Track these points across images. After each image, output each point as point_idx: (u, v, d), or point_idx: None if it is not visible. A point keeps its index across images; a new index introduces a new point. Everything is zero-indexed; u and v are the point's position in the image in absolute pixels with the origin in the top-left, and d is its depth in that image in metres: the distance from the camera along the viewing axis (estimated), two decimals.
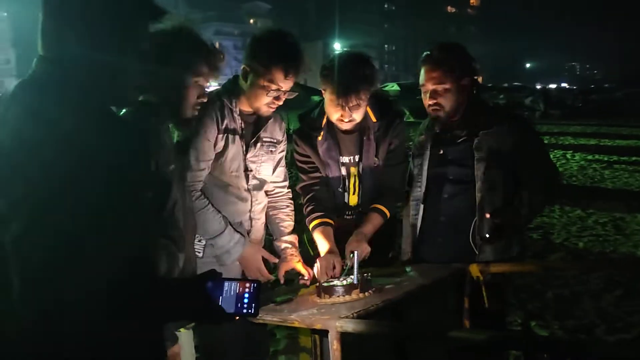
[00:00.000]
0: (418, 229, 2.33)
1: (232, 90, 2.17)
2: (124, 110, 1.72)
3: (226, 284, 1.21)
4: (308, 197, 2.43)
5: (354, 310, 1.65)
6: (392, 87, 25.28)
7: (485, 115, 2.26)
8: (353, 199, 2.43)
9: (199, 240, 2.12)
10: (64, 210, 0.99)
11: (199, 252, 2.11)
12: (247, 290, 1.22)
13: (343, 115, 2.25)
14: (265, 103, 2.12)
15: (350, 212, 2.44)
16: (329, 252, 2.25)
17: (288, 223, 2.38)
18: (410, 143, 2.56)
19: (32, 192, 0.99)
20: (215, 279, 1.18)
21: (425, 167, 2.33)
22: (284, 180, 2.41)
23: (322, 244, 2.29)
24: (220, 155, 2.13)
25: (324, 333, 1.60)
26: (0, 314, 1.03)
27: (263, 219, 2.35)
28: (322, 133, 2.37)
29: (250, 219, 2.26)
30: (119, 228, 1.07)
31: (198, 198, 2.09)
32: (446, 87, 2.20)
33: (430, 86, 2.22)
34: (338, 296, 1.82)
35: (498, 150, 2.19)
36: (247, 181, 2.22)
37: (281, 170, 2.38)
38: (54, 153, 1.01)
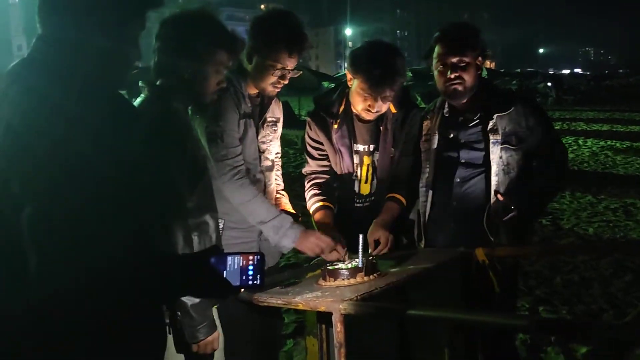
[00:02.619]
0: (427, 215, 2.32)
1: (238, 74, 2.17)
2: (142, 95, 1.74)
3: (229, 258, 1.23)
4: (312, 182, 2.43)
5: (358, 293, 1.66)
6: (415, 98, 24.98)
7: (496, 97, 2.24)
8: (365, 188, 2.42)
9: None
10: (74, 188, 1.01)
11: None
12: (250, 262, 1.24)
13: (372, 105, 2.22)
14: (270, 83, 2.13)
15: (361, 200, 2.44)
16: (328, 233, 2.22)
17: (280, 182, 2.42)
18: None
19: (43, 171, 1.00)
20: (218, 254, 1.21)
21: (433, 151, 2.31)
22: (278, 152, 2.43)
23: (323, 226, 2.29)
24: (242, 140, 2.14)
25: (328, 316, 1.61)
26: (8, 293, 1.05)
27: (273, 201, 2.36)
28: (338, 120, 2.35)
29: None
30: (126, 207, 1.09)
31: (245, 185, 2.07)
32: (467, 61, 2.17)
33: (451, 59, 2.17)
34: (343, 279, 1.83)
35: (512, 132, 2.17)
36: (261, 162, 2.24)
37: (278, 144, 2.39)
38: (62, 132, 1.03)
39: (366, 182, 2.40)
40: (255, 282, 1.24)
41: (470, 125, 2.25)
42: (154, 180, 1.27)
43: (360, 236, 1.92)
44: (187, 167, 1.67)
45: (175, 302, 1.58)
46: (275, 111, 2.33)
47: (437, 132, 2.31)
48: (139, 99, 1.76)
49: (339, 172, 2.41)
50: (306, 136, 2.48)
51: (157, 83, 1.77)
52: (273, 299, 1.74)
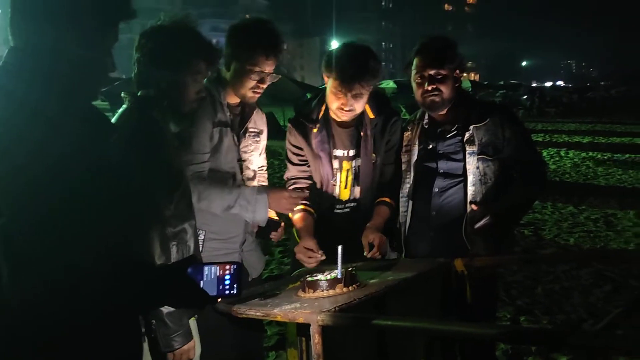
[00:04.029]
0: (407, 225, 2.35)
1: (217, 83, 2.20)
2: (124, 106, 1.75)
3: (206, 268, 1.24)
4: (292, 188, 2.44)
5: (337, 304, 1.66)
6: (389, 84, 25.27)
7: (474, 109, 2.28)
8: (344, 193, 2.43)
9: (198, 235, 2.13)
10: (52, 192, 1.01)
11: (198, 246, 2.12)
12: (227, 272, 1.25)
13: (344, 104, 2.25)
14: (250, 88, 2.16)
15: (341, 207, 2.45)
16: (307, 238, 2.26)
17: None
18: None
19: (20, 175, 1.01)
20: (195, 264, 1.22)
21: (413, 162, 2.34)
22: (263, 165, 2.46)
23: (301, 230, 2.32)
24: (216, 148, 2.15)
25: (308, 327, 1.60)
26: None
27: None
28: (317, 125, 2.37)
29: None
30: (103, 215, 1.09)
31: (200, 183, 2.09)
32: (444, 73, 2.21)
33: (430, 70, 2.22)
34: (322, 290, 1.83)
35: (489, 143, 2.21)
36: (242, 171, 2.26)
37: (263, 157, 2.43)
38: (41, 137, 1.04)
39: (345, 187, 2.42)
40: (232, 291, 1.24)
41: (449, 136, 2.29)
42: (130, 189, 1.27)
43: (339, 247, 1.92)
44: (165, 177, 1.67)
45: (151, 311, 1.58)
46: (258, 122, 2.35)
47: (416, 143, 2.35)
48: (120, 110, 1.77)
49: (318, 178, 2.42)
50: (287, 142, 2.49)
51: (138, 94, 1.78)
52: (252, 311, 1.73)
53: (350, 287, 1.83)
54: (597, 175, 9.43)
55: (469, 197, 2.21)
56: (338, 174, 2.41)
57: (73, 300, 1.02)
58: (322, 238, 2.25)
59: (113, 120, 1.67)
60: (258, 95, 2.22)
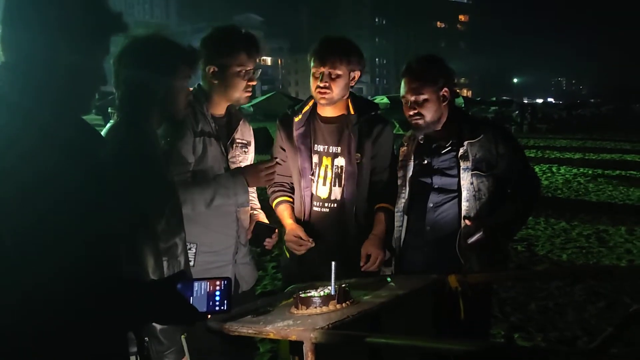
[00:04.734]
0: (402, 240, 2.34)
1: (199, 96, 2.22)
2: (111, 121, 1.75)
3: (196, 284, 1.23)
4: (275, 183, 2.49)
5: (330, 321, 1.64)
6: (382, 99, 25.48)
7: (468, 125, 2.30)
8: (323, 191, 2.42)
9: (189, 249, 2.11)
10: (38, 202, 1.00)
11: (190, 260, 2.10)
12: (217, 288, 1.23)
13: (319, 81, 2.31)
14: (242, 89, 2.20)
15: (319, 204, 2.43)
16: (294, 226, 2.38)
17: (256, 202, 2.48)
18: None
19: (10, 179, 1.00)
20: (184, 280, 1.20)
21: (409, 178, 2.35)
22: None
23: (286, 219, 2.43)
24: (201, 158, 2.16)
25: (300, 345, 1.58)
26: None
27: (247, 220, 2.35)
28: (299, 116, 2.43)
29: (237, 219, 2.26)
30: (92, 225, 1.08)
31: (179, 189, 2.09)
32: (425, 97, 2.24)
33: (410, 97, 2.26)
34: (315, 307, 1.81)
35: (483, 159, 2.23)
36: None
37: None
38: (33, 142, 1.04)
39: (324, 184, 2.41)
40: (222, 307, 1.23)
41: (443, 152, 2.30)
42: (122, 202, 1.26)
43: (333, 263, 1.91)
44: (156, 191, 1.66)
45: (140, 328, 1.55)
46: (245, 133, 2.37)
47: (412, 158, 2.36)
48: (108, 125, 1.76)
49: (297, 171, 2.43)
50: (275, 142, 2.55)
51: (127, 108, 1.77)
52: (244, 328, 1.71)
53: (343, 304, 1.81)
54: (588, 191, 9.48)
55: (463, 213, 2.21)
56: (317, 169, 2.42)
57: (58, 311, 1.00)
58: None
59: (102, 133, 1.66)
60: (249, 95, 2.26)
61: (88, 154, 1.15)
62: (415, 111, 2.25)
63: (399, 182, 2.39)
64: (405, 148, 2.42)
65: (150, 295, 1.16)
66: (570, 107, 40.96)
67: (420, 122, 2.26)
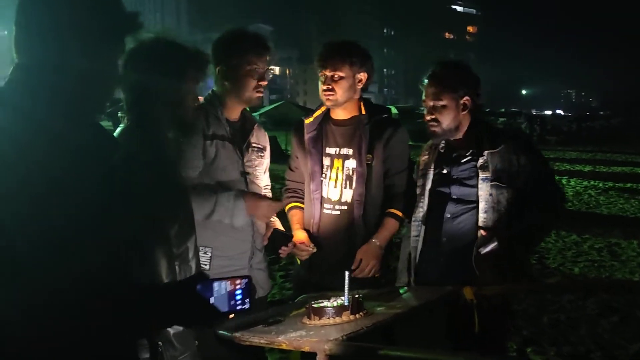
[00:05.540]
0: (419, 250, 2.30)
1: (214, 100, 2.23)
2: (121, 125, 1.74)
3: (215, 284, 1.20)
4: (289, 187, 2.57)
5: (344, 332, 1.61)
6: (391, 110, 25.48)
7: (489, 134, 2.25)
8: (333, 193, 2.41)
9: (204, 253, 2.11)
10: (55, 209, 0.99)
11: (206, 264, 2.09)
12: (238, 286, 1.22)
13: (324, 84, 2.34)
14: (253, 88, 2.21)
15: (330, 206, 2.42)
16: (298, 232, 2.42)
17: None
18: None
19: (25, 189, 0.99)
20: (203, 280, 1.18)
21: (428, 187, 2.30)
22: (268, 185, 2.47)
23: (292, 224, 2.48)
24: (213, 161, 2.16)
25: (313, 356, 1.56)
26: None
27: (264, 226, 2.34)
28: (311, 119, 2.46)
29: (253, 223, 2.25)
30: (108, 231, 1.07)
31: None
32: (443, 104, 2.21)
33: (429, 102, 2.24)
34: (328, 318, 1.78)
35: (503, 170, 2.17)
36: (247, 186, 2.24)
37: (267, 176, 2.44)
38: (46, 150, 1.03)
39: (335, 186, 2.41)
40: (244, 306, 1.22)
41: (463, 161, 2.26)
42: (136, 206, 1.25)
43: (346, 273, 1.88)
44: (169, 195, 1.65)
45: (160, 332, 1.53)
46: (261, 138, 2.37)
47: (432, 167, 2.32)
48: (118, 129, 1.75)
49: (307, 173, 2.44)
50: (291, 149, 2.61)
51: (136, 112, 1.76)
52: (256, 338, 1.68)
53: (357, 315, 1.78)
54: (599, 204, 9.39)
55: (480, 224, 2.16)
56: (328, 171, 2.42)
57: (74, 316, 0.99)
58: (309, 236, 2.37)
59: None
60: (262, 95, 2.27)
61: (102, 160, 1.14)
62: (433, 117, 2.22)
63: (418, 191, 2.35)
64: (425, 157, 2.38)
65: (170, 297, 1.14)
66: (579, 119, 40.74)
67: (437, 129, 2.23)
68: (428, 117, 2.24)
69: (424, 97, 2.27)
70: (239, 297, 1.21)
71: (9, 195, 0.99)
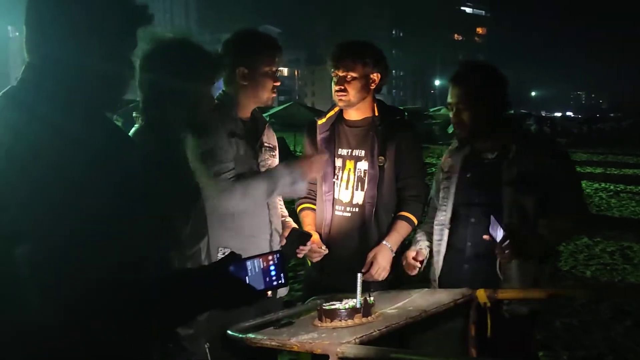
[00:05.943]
0: (442, 255, 2.24)
1: (226, 100, 2.21)
2: (136, 125, 1.73)
3: (248, 263, 1.19)
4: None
5: (356, 335, 1.59)
6: (404, 112, 25.40)
7: (517, 138, 2.18)
8: (345, 195, 2.40)
9: (223, 253, 2.09)
10: (74, 213, 0.98)
11: None
12: (271, 262, 1.21)
13: (336, 84, 2.32)
14: (269, 89, 2.22)
15: (341, 208, 2.41)
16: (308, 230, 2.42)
17: (284, 211, 2.47)
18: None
19: (41, 193, 0.97)
20: (236, 261, 1.17)
21: (453, 191, 2.24)
22: None
23: (304, 226, 2.46)
24: (236, 158, 2.16)
25: (324, 358, 1.53)
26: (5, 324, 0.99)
27: (280, 225, 2.33)
28: (323, 119, 2.45)
29: (270, 222, 2.24)
30: (122, 234, 1.05)
31: (240, 184, 2.09)
32: (466, 105, 2.15)
33: (452, 102, 2.20)
34: (340, 320, 1.76)
35: (528, 174, 2.09)
36: None
37: None
38: (62, 154, 1.01)
39: (347, 188, 2.40)
40: (280, 281, 1.21)
41: (488, 164, 2.20)
42: (152, 207, 1.23)
43: (358, 275, 1.86)
44: (181, 195, 1.63)
45: (196, 318, 1.51)
46: (271, 138, 2.37)
47: (457, 170, 2.26)
48: (132, 130, 1.74)
49: (320, 175, 2.40)
50: (303, 149, 2.59)
51: (151, 112, 1.75)
52: (267, 340, 1.66)
53: (369, 318, 1.76)
54: (610, 207, 9.30)
55: (504, 228, 2.09)
56: (340, 172, 2.41)
57: (98, 319, 0.98)
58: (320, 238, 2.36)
59: None
60: (274, 95, 2.28)
61: (118, 161, 1.12)
62: (457, 118, 2.18)
63: (442, 194, 2.28)
64: (450, 160, 2.32)
65: (205, 282, 1.12)
66: (590, 121, 40.41)
67: (461, 131, 2.20)
68: (453, 119, 2.20)
69: (448, 98, 2.22)
70: (273, 273, 1.20)
71: (26, 199, 0.97)
